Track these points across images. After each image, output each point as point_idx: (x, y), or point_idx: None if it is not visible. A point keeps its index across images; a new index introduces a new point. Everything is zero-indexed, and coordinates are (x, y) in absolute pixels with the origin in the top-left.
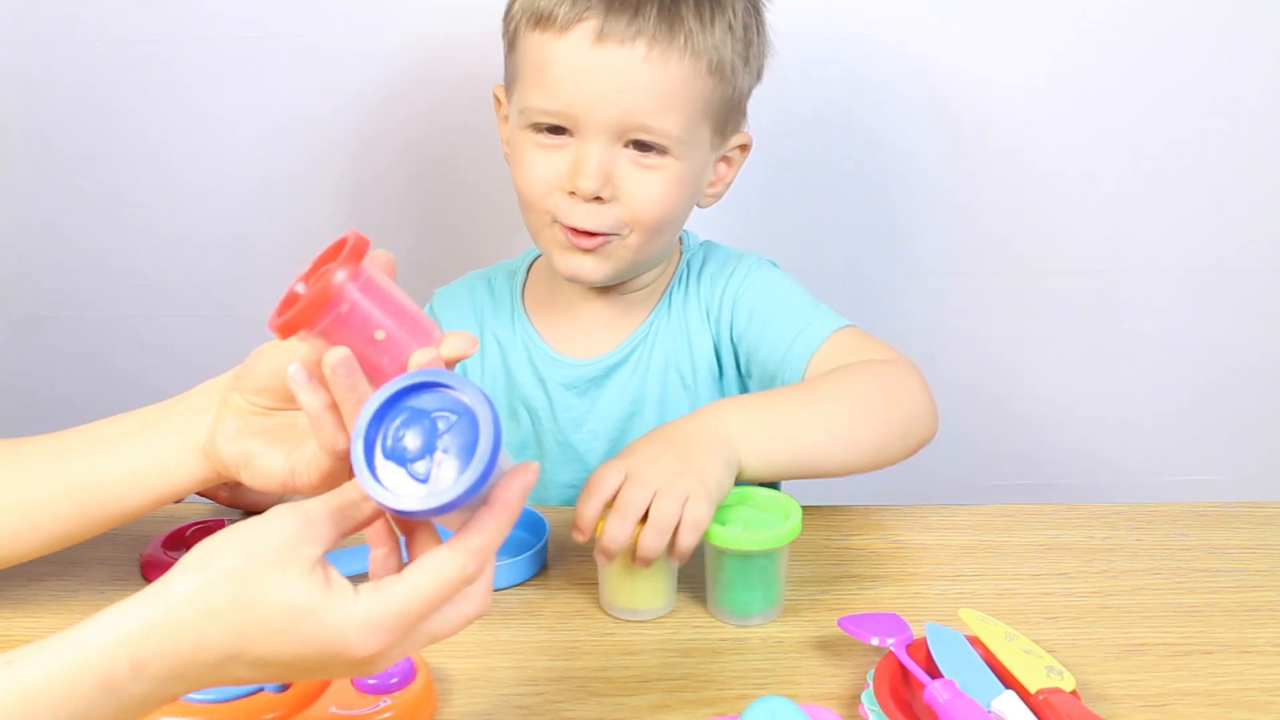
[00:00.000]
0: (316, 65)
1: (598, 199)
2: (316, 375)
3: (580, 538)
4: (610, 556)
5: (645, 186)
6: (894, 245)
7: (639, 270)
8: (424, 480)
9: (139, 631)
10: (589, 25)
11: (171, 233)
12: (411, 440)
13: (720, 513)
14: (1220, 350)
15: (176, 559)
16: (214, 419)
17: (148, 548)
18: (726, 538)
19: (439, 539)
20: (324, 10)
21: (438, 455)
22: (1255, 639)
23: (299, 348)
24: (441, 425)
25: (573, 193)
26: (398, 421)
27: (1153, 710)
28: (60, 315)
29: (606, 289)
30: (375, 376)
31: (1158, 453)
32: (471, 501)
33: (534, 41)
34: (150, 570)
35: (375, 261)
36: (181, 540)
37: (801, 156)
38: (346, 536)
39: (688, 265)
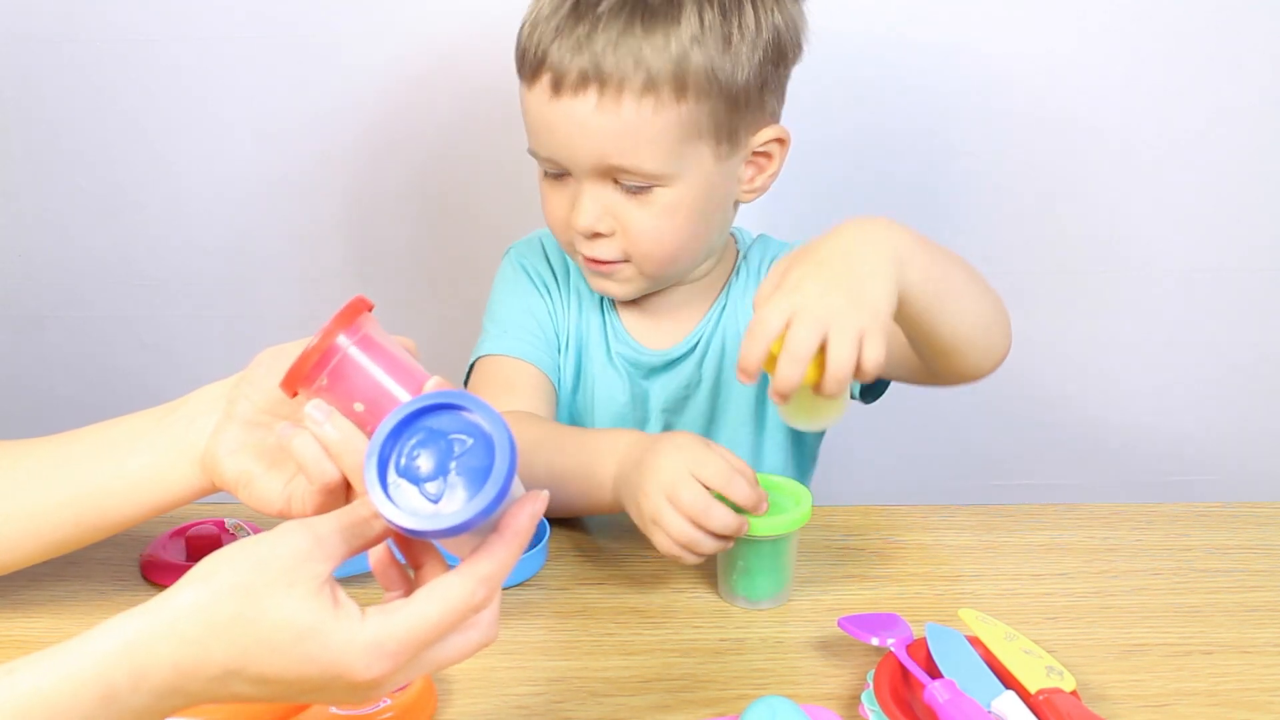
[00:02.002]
0: (317, 66)
1: (597, 234)
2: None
3: (747, 380)
4: (785, 399)
5: (640, 219)
6: None
7: (669, 283)
8: (435, 501)
9: (140, 641)
10: (546, 77)
11: (171, 233)
12: (426, 460)
13: (733, 501)
14: (1220, 350)
15: (176, 559)
16: (214, 428)
17: (148, 548)
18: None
19: (447, 569)
20: (325, 10)
21: (451, 477)
22: (1255, 639)
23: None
24: (457, 448)
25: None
26: (413, 441)
27: (1153, 710)
28: (60, 315)
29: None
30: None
31: (1158, 453)
32: (482, 526)
33: (520, 89)
34: (150, 570)
35: (373, 322)
36: (182, 540)
37: (803, 157)
38: (356, 554)
39: (745, 259)
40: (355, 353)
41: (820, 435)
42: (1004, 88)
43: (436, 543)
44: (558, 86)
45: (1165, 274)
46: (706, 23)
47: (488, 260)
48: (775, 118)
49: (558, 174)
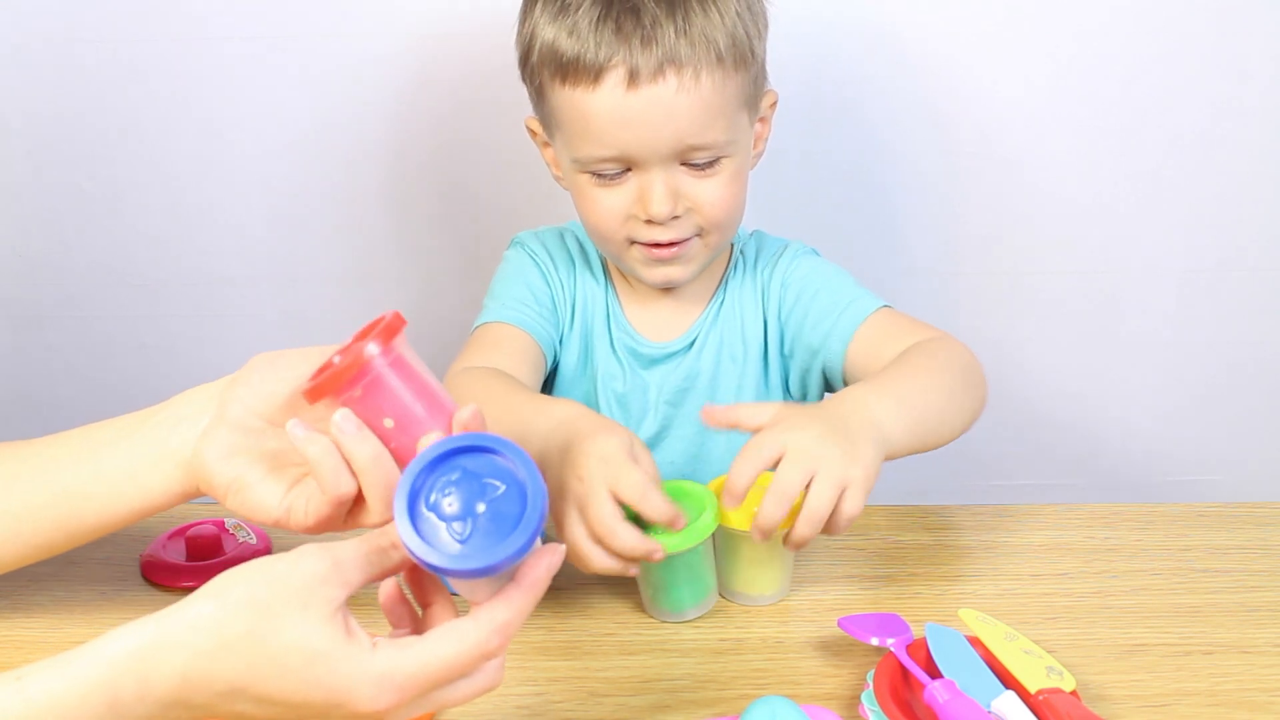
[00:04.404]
0: (316, 67)
1: (673, 216)
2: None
3: (732, 504)
4: (767, 536)
5: (710, 192)
6: (893, 244)
7: (715, 258)
8: (462, 541)
9: (150, 649)
10: (617, 72)
11: (172, 233)
12: (456, 499)
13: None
14: (1220, 350)
15: (176, 559)
16: (204, 430)
17: (148, 548)
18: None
19: (456, 610)
20: (325, 11)
21: (480, 520)
22: (1255, 639)
23: (295, 366)
24: (488, 491)
25: (648, 220)
26: (445, 478)
27: (1153, 711)
28: (60, 315)
29: None
30: (399, 447)
31: (1158, 453)
32: (502, 572)
33: (566, 97)
34: (150, 570)
35: (406, 341)
36: (182, 540)
37: (801, 154)
38: (372, 583)
39: (741, 254)
40: (392, 370)
41: None
42: (1004, 87)
43: (448, 583)
44: (634, 79)
45: (1165, 274)
46: None
47: (491, 261)
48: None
49: (614, 173)
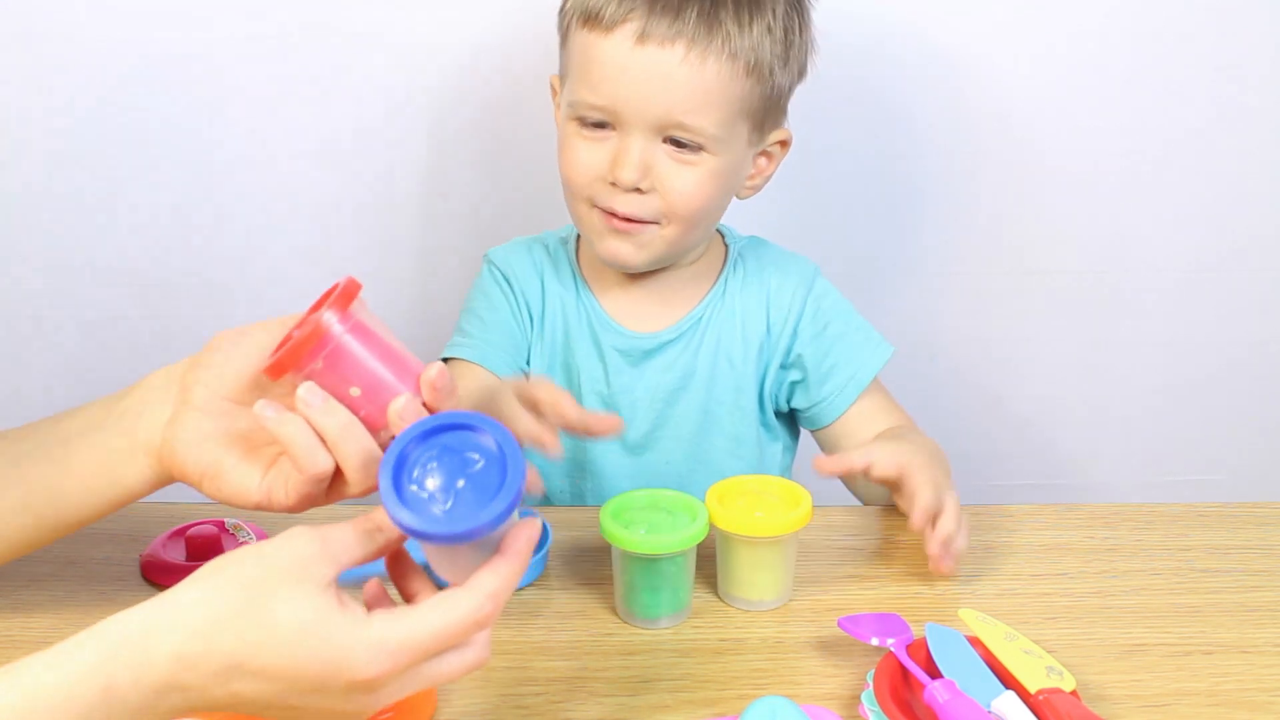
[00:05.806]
0: (316, 68)
1: (637, 190)
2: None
3: (834, 467)
4: (952, 557)
5: (682, 180)
6: (894, 244)
7: (675, 259)
8: (446, 511)
9: (143, 633)
10: (632, 26)
11: (172, 233)
12: (439, 473)
13: (627, 515)
14: (1220, 350)
15: (176, 559)
16: (170, 416)
17: (148, 548)
18: (631, 541)
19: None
20: (326, 12)
21: (462, 492)
22: (1255, 639)
23: (257, 341)
24: (468, 465)
25: (614, 183)
26: (427, 454)
27: (1153, 710)
28: (60, 315)
29: (653, 270)
30: (368, 415)
31: (1158, 453)
32: (484, 542)
33: (581, 39)
34: (150, 570)
35: (365, 305)
36: (182, 540)
37: (802, 154)
38: (360, 563)
39: (740, 255)
40: (352, 336)
41: (796, 436)
42: (1004, 86)
43: (431, 572)
44: (644, 37)
45: (1165, 274)
46: (780, 19)
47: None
48: (783, 124)
49: (598, 124)
